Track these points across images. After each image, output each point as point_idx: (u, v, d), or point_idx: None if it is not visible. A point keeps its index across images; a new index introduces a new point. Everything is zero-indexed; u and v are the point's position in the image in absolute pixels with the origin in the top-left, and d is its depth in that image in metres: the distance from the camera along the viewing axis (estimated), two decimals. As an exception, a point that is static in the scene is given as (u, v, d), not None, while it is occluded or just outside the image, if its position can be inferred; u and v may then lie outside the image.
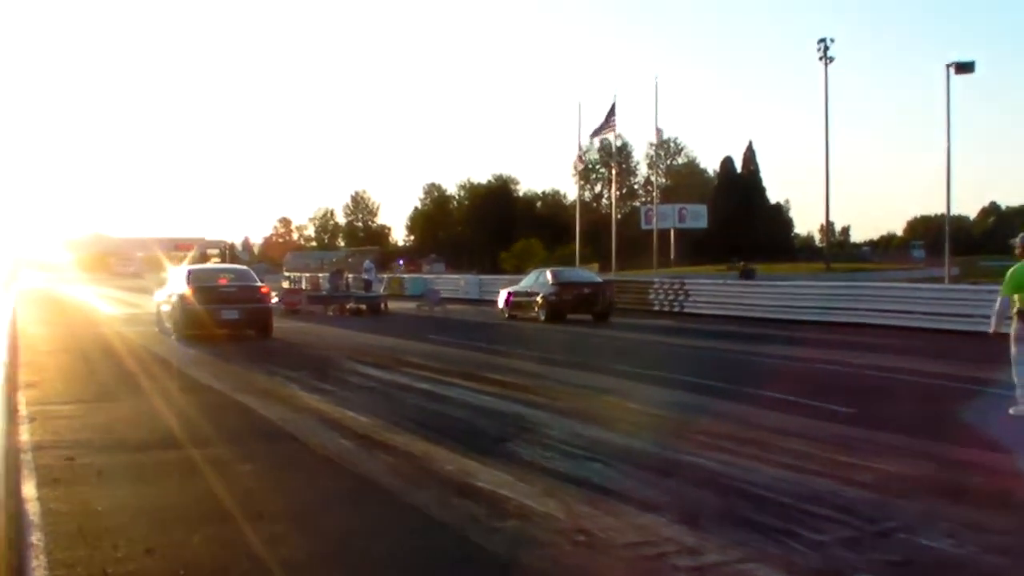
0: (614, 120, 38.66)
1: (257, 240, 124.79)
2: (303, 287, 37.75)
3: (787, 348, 15.87)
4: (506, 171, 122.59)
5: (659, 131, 44.84)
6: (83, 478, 6.28)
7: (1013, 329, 8.55)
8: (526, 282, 24.82)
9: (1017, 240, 8.68)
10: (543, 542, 4.83)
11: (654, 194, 72.29)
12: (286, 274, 50.24)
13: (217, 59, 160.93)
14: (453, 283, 38.75)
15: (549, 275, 23.78)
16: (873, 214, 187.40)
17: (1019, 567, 4.59)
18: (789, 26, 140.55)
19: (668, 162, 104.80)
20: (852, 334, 18.11)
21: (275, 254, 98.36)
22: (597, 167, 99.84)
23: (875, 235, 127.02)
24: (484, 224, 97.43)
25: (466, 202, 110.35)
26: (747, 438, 7.55)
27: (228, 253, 79.29)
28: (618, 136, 61.59)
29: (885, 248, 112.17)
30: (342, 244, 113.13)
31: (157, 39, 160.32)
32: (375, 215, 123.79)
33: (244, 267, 24.02)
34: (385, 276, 41.27)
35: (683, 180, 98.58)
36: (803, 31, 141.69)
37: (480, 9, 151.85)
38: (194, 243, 71.42)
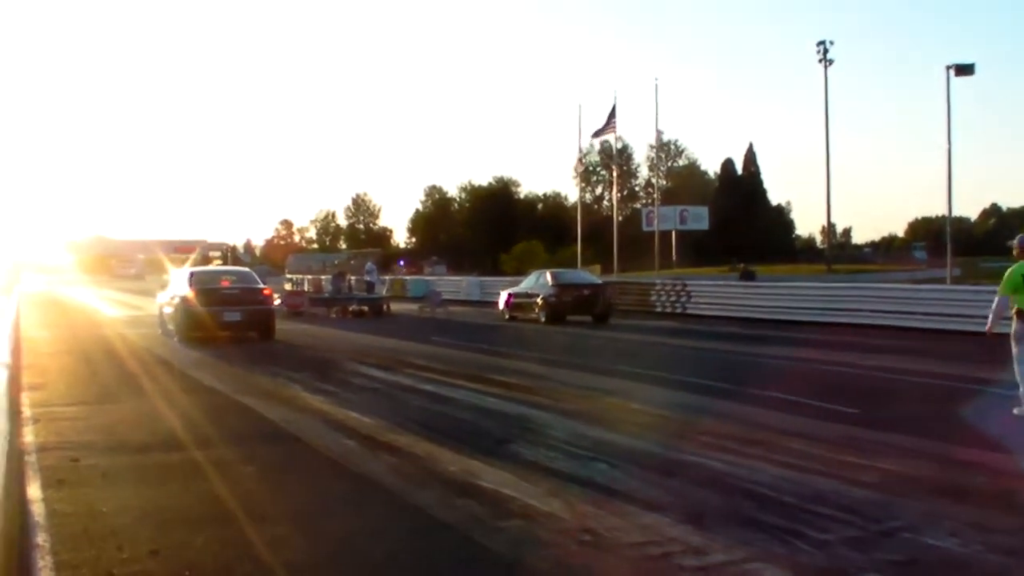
0: (615, 121, 38.74)
1: (259, 242, 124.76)
2: (305, 289, 37.74)
3: (789, 349, 15.85)
4: (507, 173, 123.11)
5: (659, 133, 44.95)
6: (88, 480, 6.29)
7: (1013, 329, 8.59)
8: (526, 284, 24.87)
9: (1015, 241, 8.77)
10: (547, 542, 4.83)
11: (655, 196, 72.28)
12: (288, 276, 50.21)
13: (219, 61, 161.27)
14: (454, 285, 38.75)
15: (549, 277, 23.83)
16: (874, 216, 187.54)
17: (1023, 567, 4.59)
18: (789, 28, 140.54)
19: (669, 164, 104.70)
20: (854, 335, 18.09)
21: (277, 256, 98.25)
22: (598, 169, 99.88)
23: (876, 237, 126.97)
24: (485, 226, 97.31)
25: (467, 204, 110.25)
26: (750, 438, 7.55)
27: (230, 255, 79.24)
28: (619, 138, 61.81)
29: (886, 249, 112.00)
30: (343, 246, 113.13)
31: (159, 41, 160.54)
32: (376, 217, 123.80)
33: (246, 269, 24.04)
34: (387, 278, 41.29)
35: (684, 182, 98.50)
36: (803, 33, 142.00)
37: (480, 11, 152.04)
38: (196, 245, 71.35)
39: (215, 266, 44.76)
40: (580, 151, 49.87)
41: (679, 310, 25.58)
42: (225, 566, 4.51)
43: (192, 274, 19.10)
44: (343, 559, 4.68)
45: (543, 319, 22.71)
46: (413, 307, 30.48)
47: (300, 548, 4.80)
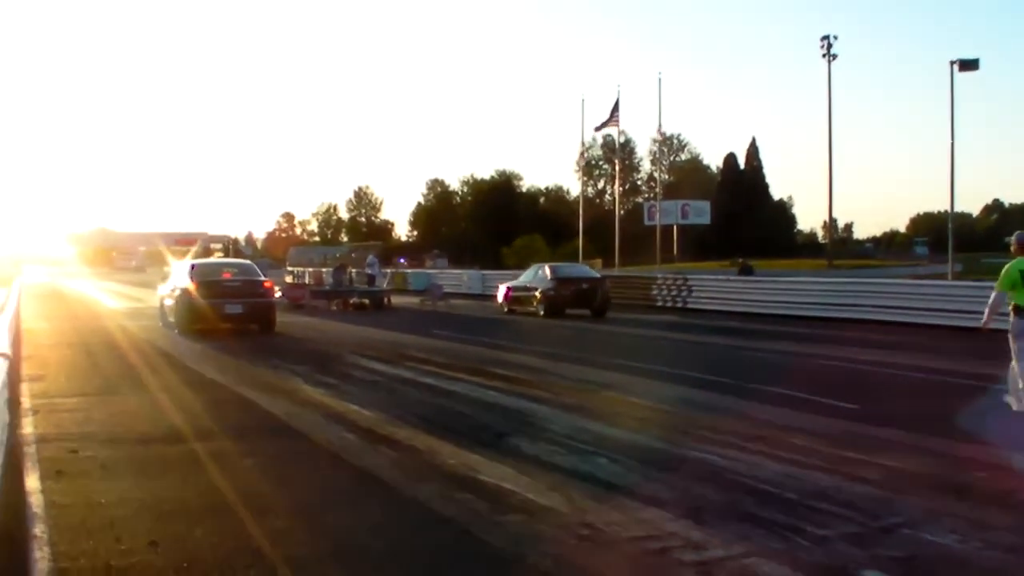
0: (617, 115, 38.71)
1: (260, 235, 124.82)
2: (307, 282, 37.73)
3: (790, 344, 15.85)
4: (509, 167, 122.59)
5: (661, 133, 44.83)
6: (87, 471, 6.29)
7: (1012, 325, 8.63)
8: (525, 277, 24.95)
9: (1013, 237, 8.83)
10: (547, 537, 4.83)
11: (657, 190, 72.31)
12: (289, 269, 50.19)
13: (221, 55, 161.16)
14: (456, 278, 38.76)
15: (547, 270, 23.90)
16: (876, 211, 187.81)
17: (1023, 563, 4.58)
18: (792, 23, 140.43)
19: (671, 158, 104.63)
20: (855, 330, 18.08)
21: (278, 249, 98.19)
22: (600, 163, 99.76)
23: (878, 232, 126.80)
24: (487, 220, 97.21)
25: (469, 198, 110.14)
26: (750, 433, 7.54)
27: (231, 248, 79.22)
28: (621, 132, 61.52)
29: (888, 245, 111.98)
30: (345, 239, 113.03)
31: (161, 35, 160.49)
32: (378, 210, 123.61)
33: (247, 262, 24.04)
34: (388, 271, 41.27)
35: (686, 176, 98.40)
36: (806, 28, 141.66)
37: (484, 4, 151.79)
38: (197, 238, 71.45)
39: (216, 258, 44.76)
40: (583, 145, 50.00)
41: (680, 304, 25.58)
42: (224, 558, 4.50)
43: (193, 266, 19.10)
44: (342, 552, 4.68)
45: (542, 312, 22.73)
46: (414, 300, 30.48)
47: (299, 541, 4.79)
